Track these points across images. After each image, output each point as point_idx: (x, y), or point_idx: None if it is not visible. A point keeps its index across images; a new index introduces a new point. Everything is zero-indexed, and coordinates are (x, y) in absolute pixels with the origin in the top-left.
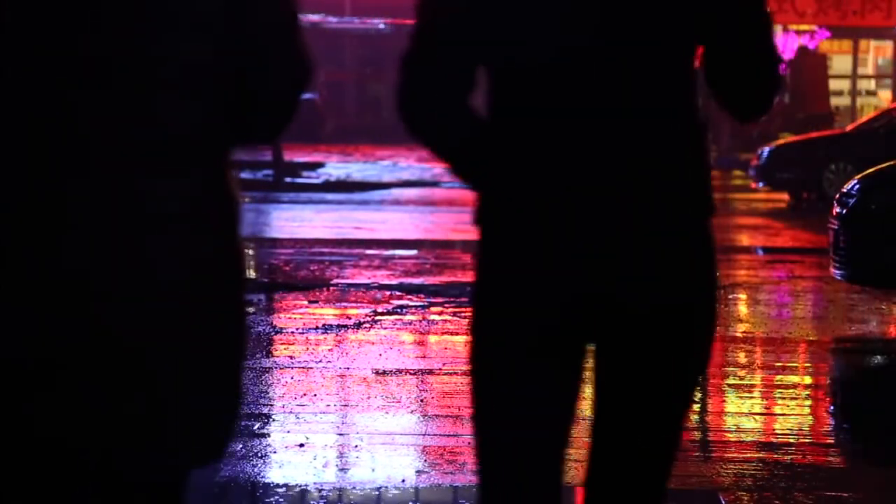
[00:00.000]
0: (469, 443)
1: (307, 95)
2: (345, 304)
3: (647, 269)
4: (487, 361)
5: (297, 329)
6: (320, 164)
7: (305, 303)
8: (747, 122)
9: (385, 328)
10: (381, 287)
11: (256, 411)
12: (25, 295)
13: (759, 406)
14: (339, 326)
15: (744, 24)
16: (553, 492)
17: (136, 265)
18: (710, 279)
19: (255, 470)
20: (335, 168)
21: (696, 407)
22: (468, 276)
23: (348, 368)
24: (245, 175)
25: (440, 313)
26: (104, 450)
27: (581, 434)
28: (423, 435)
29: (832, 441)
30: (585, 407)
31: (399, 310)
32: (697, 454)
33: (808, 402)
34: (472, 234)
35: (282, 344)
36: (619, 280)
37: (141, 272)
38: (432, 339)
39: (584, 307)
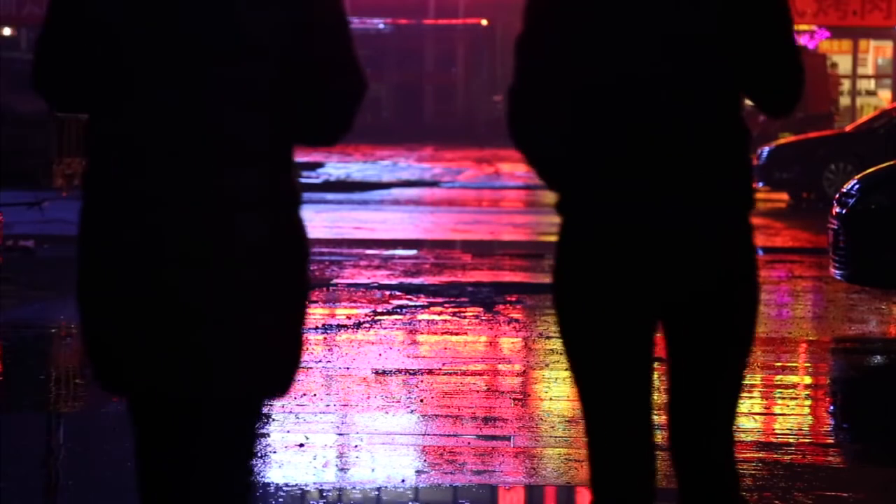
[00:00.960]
0: (469, 443)
1: None
2: (345, 304)
3: (702, 257)
4: (577, 329)
5: None
6: (320, 164)
7: None
8: (779, 117)
9: (385, 328)
10: (381, 287)
11: None
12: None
13: (759, 406)
14: (338, 326)
15: (772, 35)
16: (647, 431)
17: (224, 237)
18: (753, 261)
19: (255, 470)
20: (335, 168)
21: None
22: (468, 276)
23: (348, 368)
24: None
25: (440, 313)
26: (201, 380)
27: (580, 434)
28: (423, 435)
29: (832, 441)
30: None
31: (399, 310)
32: None
33: (808, 402)
34: (471, 234)
35: None
36: (679, 268)
37: (228, 242)
38: (432, 339)
39: (651, 289)
